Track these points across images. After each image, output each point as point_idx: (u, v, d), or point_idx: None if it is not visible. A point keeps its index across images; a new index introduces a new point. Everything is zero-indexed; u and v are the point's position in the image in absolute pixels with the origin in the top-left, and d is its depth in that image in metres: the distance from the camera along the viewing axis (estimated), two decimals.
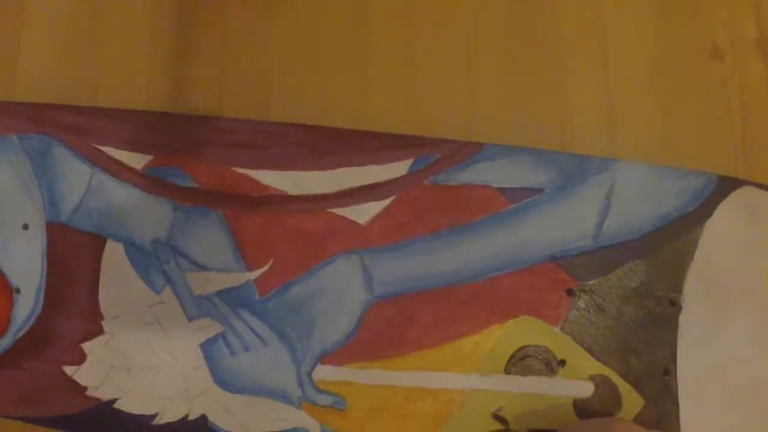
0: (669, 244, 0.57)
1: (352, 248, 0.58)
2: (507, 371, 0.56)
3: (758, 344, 0.56)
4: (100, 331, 0.58)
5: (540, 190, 0.58)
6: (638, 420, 0.55)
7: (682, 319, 0.56)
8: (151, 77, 0.63)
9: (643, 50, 0.62)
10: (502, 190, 0.58)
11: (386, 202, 0.58)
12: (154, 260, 0.59)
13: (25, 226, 0.59)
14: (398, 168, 0.58)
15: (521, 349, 0.56)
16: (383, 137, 0.59)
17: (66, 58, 0.64)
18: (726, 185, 0.57)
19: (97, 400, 0.57)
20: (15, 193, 0.60)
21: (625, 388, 0.56)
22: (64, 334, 0.58)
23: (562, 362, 0.56)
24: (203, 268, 0.58)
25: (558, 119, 0.61)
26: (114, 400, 0.57)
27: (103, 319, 0.58)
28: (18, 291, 0.59)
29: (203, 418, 0.57)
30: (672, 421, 0.55)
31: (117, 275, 0.59)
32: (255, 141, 0.59)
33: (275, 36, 0.63)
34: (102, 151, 0.60)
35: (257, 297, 0.58)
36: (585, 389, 0.56)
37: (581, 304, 0.57)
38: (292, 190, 0.59)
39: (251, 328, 0.57)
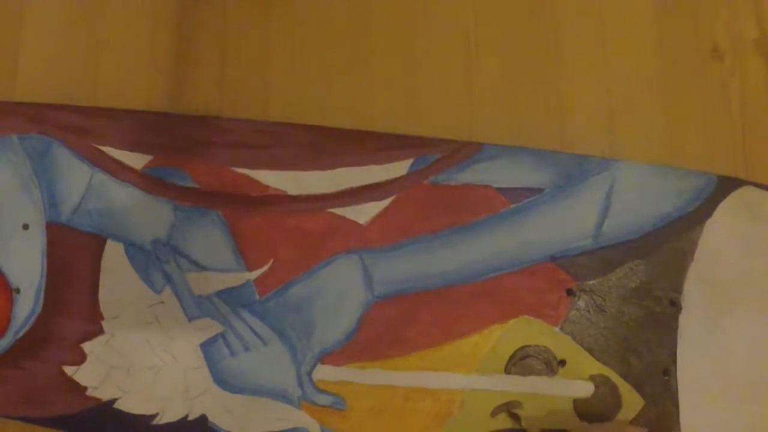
0: (669, 244, 0.57)
1: (352, 248, 0.58)
2: (507, 371, 0.56)
3: (758, 344, 0.56)
4: (100, 331, 0.58)
5: (540, 190, 0.58)
6: (638, 420, 0.55)
7: (682, 319, 0.56)
8: (151, 77, 0.63)
9: (643, 50, 0.62)
10: (502, 190, 0.58)
11: (386, 202, 0.58)
12: (154, 260, 0.59)
13: (25, 226, 0.59)
14: (398, 168, 0.58)
15: (521, 349, 0.56)
16: (383, 137, 0.59)
17: (66, 58, 0.64)
18: (726, 185, 0.57)
19: (97, 400, 0.57)
20: (15, 193, 0.60)
21: (625, 388, 0.56)
22: (64, 334, 0.58)
23: (562, 362, 0.56)
24: (203, 268, 0.58)
25: (558, 119, 0.61)
26: (114, 400, 0.57)
27: (103, 319, 0.58)
28: (18, 291, 0.59)
29: (203, 418, 0.57)
30: (672, 421, 0.55)
31: (117, 275, 0.59)
32: (255, 141, 0.59)
33: (275, 36, 0.63)
34: (102, 151, 0.60)
35: (257, 297, 0.58)
36: (585, 389, 0.56)
37: (581, 304, 0.57)
38: (292, 190, 0.59)
39: (251, 328, 0.57)
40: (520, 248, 0.57)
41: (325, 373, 0.57)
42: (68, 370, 0.58)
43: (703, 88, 0.61)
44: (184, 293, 0.58)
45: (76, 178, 0.59)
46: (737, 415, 0.55)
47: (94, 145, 0.60)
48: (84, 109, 0.61)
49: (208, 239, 0.59)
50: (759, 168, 0.59)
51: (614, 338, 0.56)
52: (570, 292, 0.57)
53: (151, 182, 0.59)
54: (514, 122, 0.61)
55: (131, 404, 0.57)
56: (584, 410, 0.56)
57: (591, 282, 0.57)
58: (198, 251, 0.58)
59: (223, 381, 0.57)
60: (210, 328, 0.58)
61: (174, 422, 0.57)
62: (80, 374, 0.58)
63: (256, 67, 0.63)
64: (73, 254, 0.59)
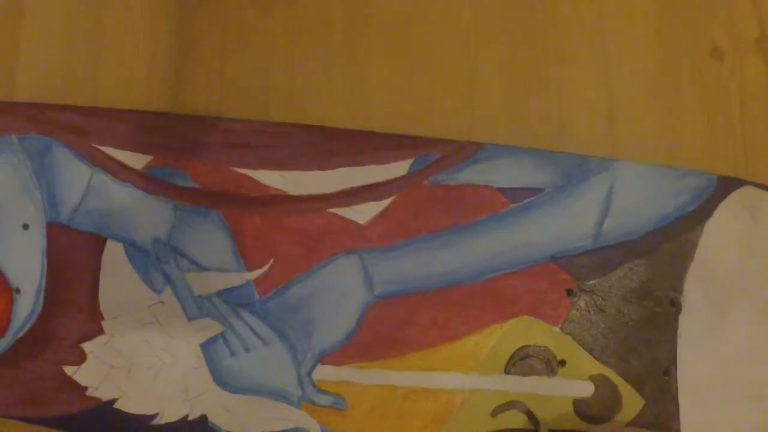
0: (669, 244, 0.57)
1: (352, 248, 0.58)
2: (507, 371, 0.56)
3: (758, 344, 0.56)
4: (100, 331, 0.58)
5: (540, 190, 0.58)
6: (638, 420, 0.55)
7: (682, 319, 0.56)
8: (151, 77, 0.63)
9: (643, 50, 0.62)
10: (502, 190, 0.58)
11: (386, 202, 0.58)
12: (154, 260, 0.59)
13: (25, 226, 0.59)
14: (398, 168, 0.58)
15: (521, 349, 0.56)
16: (383, 137, 0.59)
17: (66, 58, 0.64)
18: (726, 185, 0.57)
19: (97, 400, 0.57)
20: (15, 193, 0.60)
21: (625, 388, 0.56)
22: (64, 334, 0.58)
23: (562, 362, 0.56)
24: (203, 268, 0.58)
25: (558, 119, 0.61)
26: (114, 400, 0.57)
27: (103, 319, 0.58)
28: (18, 291, 0.59)
29: (203, 418, 0.57)
30: (672, 421, 0.55)
31: (117, 275, 0.59)
32: (255, 141, 0.59)
33: (275, 36, 0.63)
34: (102, 151, 0.60)
35: (257, 297, 0.58)
36: (585, 389, 0.56)
37: (581, 304, 0.57)
38: (292, 190, 0.59)
39: (251, 328, 0.57)
40: (520, 248, 0.57)
41: (325, 373, 0.57)
42: (68, 370, 0.58)
43: (703, 88, 0.61)
44: (184, 293, 0.58)
45: (76, 178, 0.59)
46: (737, 415, 0.55)
47: (94, 145, 0.60)
48: (84, 109, 0.61)
49: (208, 239, 0.58)
50: (759, 168, 0.59)
51: (614, 338, 0.56)
52: (570, 292, 0.57)
53: (151, 182, 0.59)
54: (514, 122, 0.61)
55: (131, 404, 0.57)
56: (584, 410, 0.56)
57: (591, 282, 0.57)
58: (198, 251, 0.58)
59: (223, 381, 0.57)
60: (210, 328, 0.58)
61: (174, 422, 0.57)
62: (80, 374, 0.58)
63: (256, 67, 0.63)
64: (73, 254, 0.59)
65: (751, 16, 0.62)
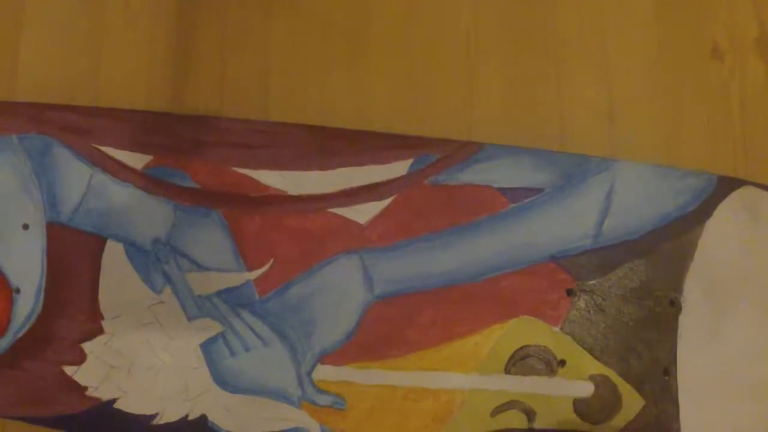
0: (669, 244, 0.57)
1: (352, 248, 0.58)
2: (507, 371, 0.56)
3: (758, 344, 0.56)
4: (100, 331, 0.58)
5: (540, 190, 0.58)
6: (638, 420, 0.55)
7: (682, 319, 0.56)
8: (151, 77, 0.63)
9: (643, 50, 0.62)
10: (502, 190, 0.58)
11: (386, 202, 0.58)
12: (154, 260, 0.59)
13: (25, 226, 0.59)
14: (398, 168, 0.58)
15: (521, 349, 0.56)
16: (383, 137, 0.59)
17: (66, 58, 0.64)
18: (726, 185, 0.57)
19: (97, 400, 0.57)
20: (15, 193, 0.60)
21: (625, 388, 0.56)
22: (64, 334, 0.58)
23: (562, 362, 0.56)
24: (203, 268, 0.58)
25: (558, 119, 0.61)
26: (114, 400, 0.57)
27: (103, 319, 0.58)
28: (18, 291, 0.59)
29: (203, 418, 0.57)
30: (672, 421, 0.55)
31: (117, 275, 0.59)
32: (255, 141, 0.59)
33: (275, 36, 0.63)
34: (102, 151, 0.60)
35: (257, 297, 0.58)
36: (585, 389, 0.56)
37: (581, 304, 0.57)
38: (292, 190, 0.59)
39: (251, 328, 0.57)
40: (520, 248, 0.57)
41: (325, 373, 0.57)
42: (68, 370, 0.58)
43: (703, 88, 0.61)
44: (184, 293, 0.58)
45: (76, 178, 0.59)
46: (737, 415, 0.55)
47: (94, 145, 0.60)
48: (84, 109, 0.61)
49: (208, 239, 0.58)
50: (759, 168, 0.59)
51: (614, 338, 0.56)
52: (570, 292, 0.57)
53: (151, 182, 0.59)
54: (514, 122, 0.61)
55: (131, 404, 0.57)
56: (584, 410, 0.56)
57: (591, 282, 0.57)
58: (198, 251, 0.58)
59: (223, 381, 0.57)
60: (210, 328, 0.58)
61: (174, 422, 0.57)
62: (80, 374, 0.58)
63: (256, 67, 0.63)
64: (73, 254, 0.59)
65: (751, 16, 0.62)
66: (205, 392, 0.57)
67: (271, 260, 0.58)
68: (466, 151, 0.58)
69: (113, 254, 0.59)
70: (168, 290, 0.58)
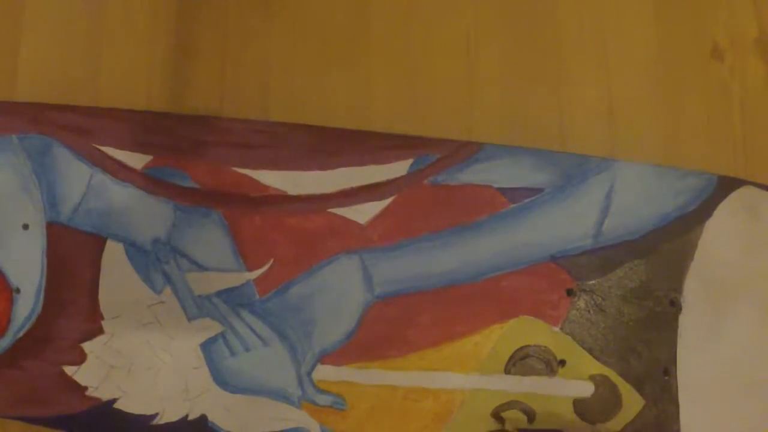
0: (669, 244, 0.57)
1: (352, 248, 0.58)
2: (507, 371, 0.56)
3: (758, 344, 0.56)
4: (100, 331, 0.58)
5: (540, 190, 0.58)
6: (638, 420, 0.55)
7: (682, 319, 0.56)
8: (151, 77, 0.63)
9: (643, 50, 0.62)
10: (502, 190, 0.58)
11: (386, 202, 0.58)
12: (154, 260, 0.59)
13: (25, 226, 0.59)
14: (398, 168, 0.58)
15: (521, 349, 0.56)
16: (383, 137, 0.59)
17: (66, 58, 0.64)
18: (726, 185, 0.57)
19: (97, 400, 0.57)
20: (15, 193, 0.60)
21: (625, 388, 0.56)
22: (64, 334, 0.58)
23: (562, 362, 0.56)
24: (203, 268, 0.58)
25: (558, 119, 0.61)
26: (114, 400, 0.57)
27: (103, 319, 0.58)
28: (18, 291, 0.59)
29: (203, 418, 0.57)
30: (672, 421, 0.55)
31: (117, 275, 0.59)
32: (255, 141, 0.59)
33: (275, 36, 0.63)
34: (102, 151, 0.60)
35: (257, 297, 0.58)
36: (585, 389, 0.56)
37: (581, 304, 0.57)
38: (292, 190, 0.59)
39: (251, 328, 0.57)
40: (520, 248, 0.57)
41: (325, 373, 0.57)
42: (68, 370, 0.58)
43: (703, 88, 0.61)
44: (184, 293, 0.58)
45: (76, 178, 0.59)
46: (737, 414, 0.55)
47: (94, 145, 0.60)
48: (84, 109, 0.61)
49: (208, 239, 0.58)
50: (759, 168, 0.59)
51: (614, 338, 0.56)
52: (570, 292, 0.57)
53: (151, 182, 0.59)
54: (514, 122, 0.61)
55: (131, 404, 0.57)
56: (584, 410, 0.56)
57: (591, 282, 0.57)
58: (198, 251, 0.58)
59: (223, 381, 0.57)
60: (210, 328, 0.58)
61: (174, 422, 0.57)
62: (80, 374, 0.58)
63: (256, 67, 0.63)
64: (73, 254, 0.59)
65: (751, 16, 0.62)
66: (205, 392, 0.57)
67: (271, 260, 0.58)
68: (466, 151, 0.58)
69: (113, 254, 0.59)
70: (168, 290, 0.58)
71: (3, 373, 0.58)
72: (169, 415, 0.57)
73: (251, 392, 0.57)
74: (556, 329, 0.57)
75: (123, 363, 0.58)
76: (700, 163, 0.59)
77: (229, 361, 0.57)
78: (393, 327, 0.57)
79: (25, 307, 0.58)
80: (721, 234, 0.57)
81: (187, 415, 0.57)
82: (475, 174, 0.58)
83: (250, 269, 0.58)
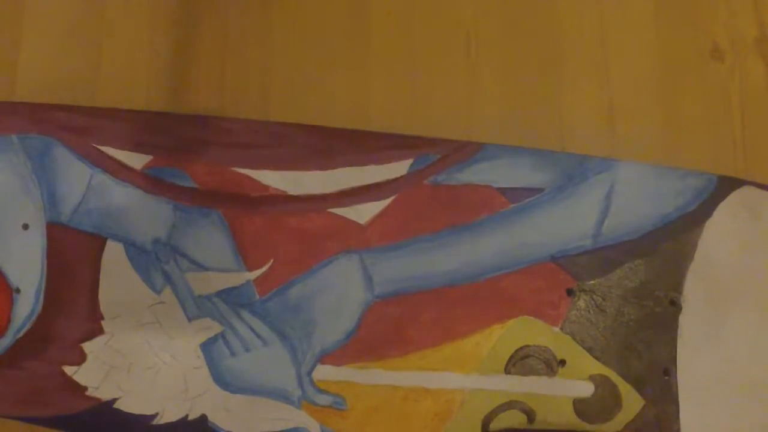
0: (669, 244, 0.57)
1: (352, 248, 0.58)
2: (507, 371, 0.56)
3: (758, 344, 0.56)
4: (100, 331, 0.58)
5: (540, 190, 0.58)
6: (638, 420, 0.55)
7: (682, 319, 0.56)
8: (151, 77, 0.63)
9: (643, 50, 0.62)
10: (502, 190, 0.58)
11: (386, 202, 0.58)
12: (154, 260, 0.59)
13: (25, 226, 0.59)
14: (398, 168, 0.58)
15: (521, 348, 0.56)
16: (383, 137, 0.59)
17: (66, 58, 0.64)
18: (726, 185, 0.57)
19: (97, 400, 0.57)
20: (15, 193, 0.60)
21: (625, 388, 0.56)
22: (64, 334, 0.58)
23: (562, 362, 0.56)
24: (203, 268, 0.58)
25: (558, 119, 0.61)
26: (114, 400, 0.57)
27: (103, 319, 0.58)
28: (18, 291, 0.59)
29: (203, 418, 0.57)
30: (672, 421, 0.55)
31: (117, 275, 0.59)
32: (255, 141, 0.59)
33: (275, 36, 0.63)
34: (102, 151, 0.60)
35: (257, 297, 0.58)
36: (585, 389, 0.56)
37: (581, 304, 0.57)
38: (292, 190, 0.59)
39: (251, 328, 0.57)
40: (520, 248, 0.57)
41: (325, 373, 0.57)
42: (68, 370, 0.58)
43: (703, 88, 0.61)
44: (184, 293, 0.58)
45: (76, 178, 0.59)
46: (737, 415, 0.55)
47: (94, 145, 0.60)
48: (84, 109, 0.61)
49: (208, 239, 0.59)
50: (759, 168, 0.59)
51: (614, 338, 0.56)
52: (570, 292, 0.57)
53: (151, 182, 0.59)
54: (514, 122, 0.61)
55: (131, 404, 0.57)
56: (584, 410, 0.56)
57: (591, 282, 0.57)
58: (198, 251, 0.58)
59: (223, 381, 0.57)
60: (210, 328, 0.58)
61: (174, 422, 0.57)
62: (80, 374, 0.58)
63: (256, 67, 0.63)
64: (73, 254, 0.59)
65: (751, 16, 0.62)
66: (205, 392, 0.57)
67: (271, 260, 0.58)
68: (466, 151, 0.58)
69: (113, 254, 0.59)
70: (168, 290, 0.58)
71: (3, 373, 0.58)
72: (169, 415, 0.57)
73: (251, 392, 0.57)
74: (556, 329, 0.57)
75: (123, 363, 0.58)
76: (700, 163, 0.59)
77: (229, 361, 0.57)
78: (393, 327, 0.57)
79: (25, 307, 0.58)
80: (721, 234, 0.57)
81: (187, 415, 0.57)
82: (475, 174, 0.58)
83: (250, 269, 0.58)
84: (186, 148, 0.60)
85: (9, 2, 0.65)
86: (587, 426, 0.56)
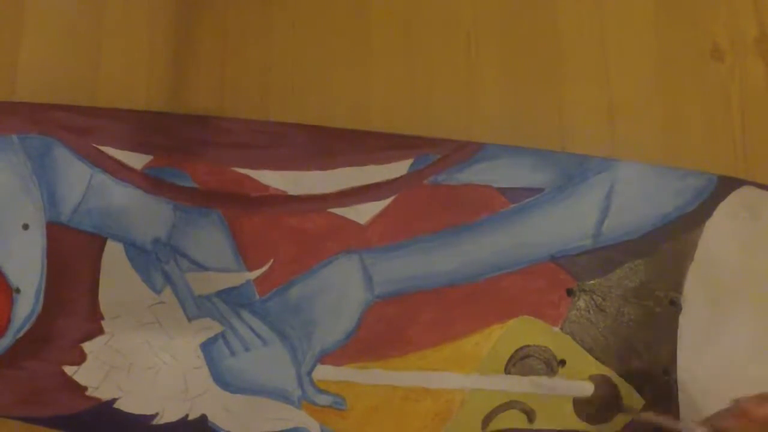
0: (669, 244, 0.57)
1: (352, 248, 0.58)
2: (507, 371, 0.56)
3: (758, 344, 0.56)
4: (100, 331, 0.58)
5: (540, 190, 0.58)
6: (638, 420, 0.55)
7: (682, 319, 0.56)
8: (151, 77, 0.63)
9: (643, 50, 0.62)
10: (502, 190, 0.58)
11: (386, 202, 0.58)
12: (154, 260, 0.59)
13: (25, 226, 0.59)
14: (398, 168, 0.58)
15: (521, 348, 0.56)
16: (383, 137, 0.59)
17: (66, 58, 0.64)
18: (726, 185, 0.57)
19: (97, 400, 0.57)
20: (15, 193, 0.60)
21: (625, 388, 0.56)
22: (64, 334, 0.58)
23: (562, 362, 0.56)
24: (203, 268, 0.58)
25: (558, 119, 0.61)
26: (114, 400, 0.57)
27: (103, 319, 0.58)
28: (18, 291, 0.59)
29: (203, 418, 0.57)
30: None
31: (117, 275, 0.59)
32: (255, 141, 0.59)
33: (275, 36, 0.63)
34: (102, 151, 0.60)
35: (257, 297, 0.58)
36: (585, 389, 0.56)
37: (581, 304, 0.57)
38: (292, 190, 0.59)
39: (251, 328, 0.57)
40: (520, 248, 0.57)
41: (325, 373, 0.57)
42: (68, 370, 0.58)
43: (703, 88, 0.61)
44: (184, 293, 0.58)
45: (76, 178, 0.59)
46: None
47: (94, 145, 0.60)
48: (84, 109, 0.61)
49: (208, 239, 0.58)
50: (759, 168, 0.59)
51: (614, 338, 0.56)
52: (570, 292, 0.57)
53: (151, 182, 0.59)
54: (514, 122, 0.61)
55: (131, 404, 0.57)
56: (584, 410, 0.56)
57: (591, 282, 0.57)
58: (198, 251, 0.58)
59: (223, 381, 0.57)
60: (210, 328, 0.58)
61: (174, 422, 0.57)
62: (80, 374, 0.58)
63: (256, 66, 0.63)
64: (73, 254, 0.59)
65: (751, 16, 0.62)
66: (205, 392, 0.57)
67: (271, 260, 0.58)
68: (466, 151, 0.58)
69: (113, 254, 0.59)
70: (168, 290, 0.58)
71: (3, 373, 0.58)
72: (169, 415, 0.57)
73: (251, 392, 0.57)
74: (556, 329, 0.57)
75: (123, 363, 0.58)
76: (700, 163, 0.59)
77: (229, 361, 0.57)
78: (393, 327, 0.57)
79: (25, 307, 0.58)
80: (721, 234, 0.57)
81: (187, 415, 0.57)
82: (475, 174, 0.58)
83: (250, 269, 0.58)
84: (186, 148, 0.60)
85: (9, 2, 0.65)
86: (587, 426, 0.56)
